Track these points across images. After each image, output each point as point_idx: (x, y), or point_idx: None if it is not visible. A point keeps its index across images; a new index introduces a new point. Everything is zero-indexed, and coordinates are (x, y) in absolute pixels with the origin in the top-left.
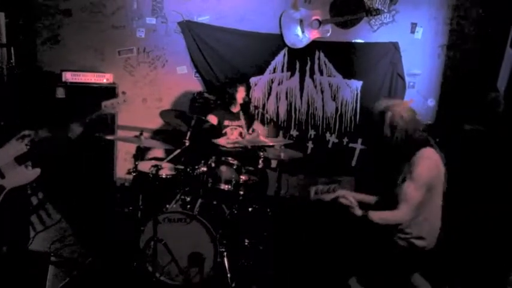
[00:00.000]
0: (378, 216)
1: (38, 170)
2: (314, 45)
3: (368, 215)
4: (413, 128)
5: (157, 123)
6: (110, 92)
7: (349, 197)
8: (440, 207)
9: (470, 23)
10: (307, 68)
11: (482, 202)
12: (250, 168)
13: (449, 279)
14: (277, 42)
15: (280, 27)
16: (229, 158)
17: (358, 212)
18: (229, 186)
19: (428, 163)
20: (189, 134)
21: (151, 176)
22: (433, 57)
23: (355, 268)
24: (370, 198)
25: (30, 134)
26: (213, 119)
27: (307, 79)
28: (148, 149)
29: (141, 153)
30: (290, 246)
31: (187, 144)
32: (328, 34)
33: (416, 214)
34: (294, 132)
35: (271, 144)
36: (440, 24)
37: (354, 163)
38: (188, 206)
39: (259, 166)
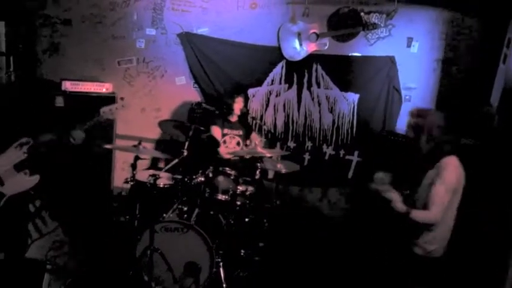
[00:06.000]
0: (416, 214)
1: (37, 177)
2: (312, 58)
3: (411, 212)
4: (445, 136)
5: (155, 133)
6: (109, 101)
7: (395, 192)
8: (454, 216)
9: (464, 38)
10: (305, 80)
11: (477, 214)
12: (248, 178)
13: None
14: (275, 54)
15: (279, 40)
16: (227, 169)
17: (403, 207)
18: (227, 197)
19: (455, 169)
20: (187, 144)
21: (148, 185)
22: (429, 72)
23: (355, 280)
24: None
25: (28, 141)
26: (216, 131)
27: (305, 91)
28: (154, 159)
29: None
30: (286, 258)
31: (185, 154)
32: (326, 47)
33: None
34: (291, 144)
35: (268, 155)
36: (435, 39)
37: (350, 175)
38: (185, 216)
39: (256, 177)
